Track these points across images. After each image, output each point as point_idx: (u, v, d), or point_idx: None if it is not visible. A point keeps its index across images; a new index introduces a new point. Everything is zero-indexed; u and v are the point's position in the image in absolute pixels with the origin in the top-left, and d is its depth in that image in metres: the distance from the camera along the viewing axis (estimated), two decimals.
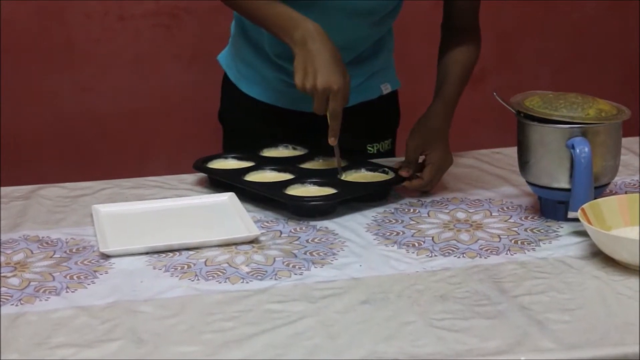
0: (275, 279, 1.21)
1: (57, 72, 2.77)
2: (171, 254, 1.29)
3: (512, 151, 1.52)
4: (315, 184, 1.51)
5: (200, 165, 1.59)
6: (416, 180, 1.52)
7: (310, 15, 1.48)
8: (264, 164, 1.60)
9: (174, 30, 2.80)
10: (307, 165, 1.61)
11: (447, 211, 1.45)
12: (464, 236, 1.35)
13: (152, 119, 2.85)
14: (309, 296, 1.16)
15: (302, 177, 1.53)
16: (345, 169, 1.56)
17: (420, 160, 1.55)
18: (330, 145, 1.50)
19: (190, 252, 1.30)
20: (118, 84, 2.81)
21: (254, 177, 1.55)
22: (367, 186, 1.52)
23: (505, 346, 1.02)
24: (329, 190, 1.48)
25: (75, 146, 2.82)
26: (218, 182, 1.57)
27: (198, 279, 1.21)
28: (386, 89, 1.78)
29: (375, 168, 1.58)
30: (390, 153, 1.83)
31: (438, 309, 1.11)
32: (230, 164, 1.62)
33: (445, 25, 1.68)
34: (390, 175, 1.55)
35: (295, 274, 1.22)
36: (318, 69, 1.43)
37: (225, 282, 1.20)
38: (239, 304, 1.14)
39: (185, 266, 1.26)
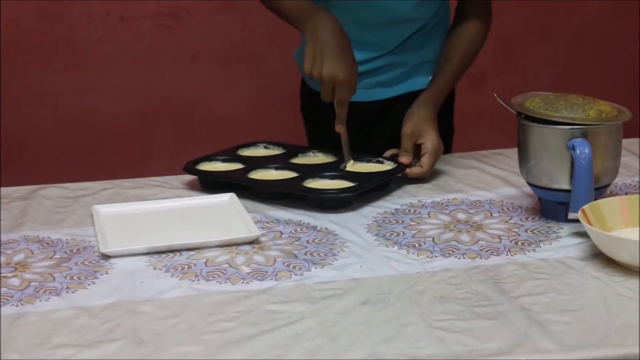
0: (276, 280, 1.21)
1: (58, 72, 2.77)
2: (172, 255, 1.29)
3: (513, 152, 1.52)
4: (327, 177, 1.52)
5: (192, 168, 1.59)
6: (416, 168, 1.57)
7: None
8: (262, 163, 1.60)
9: (176, 31, 2.80)
10: (301, 161, 1.62)
11: (448, 212, 1.45)
12: (465, 237, 1.35)
13: (153, 120, 2.85)
14: (309, 297, 1.16)
15: (307, 172, 1.54)
16: (340, 162, 1.59)
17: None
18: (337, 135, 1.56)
19: (191, 253, 1.30)
20: (119, 84, 2.81)
21: (258, 175, 1.55)
22: (380, 175, 1.54)
23: (505, 347, 1.02)
24: (344, 183, 1.50)
25: (76, 146, 2.82)
26: (211, 184, 1.56)
27: (198, 280, 1.21)
28: None
29: (369, 159, 1.61)
30: None
31: (438, 310, 1.11)
32: (219, 166, 1.61)
33: (457, 6, 1.72)
34: (388, 165, 1.58)
35: (296, 275, 1.22)
36: (325, 58, 1.49)
37: (225, 282, 1.20)
38: (239, 304, 1.14)
39: (186, 266, 1.26)
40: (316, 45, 1.49)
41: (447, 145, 1.81)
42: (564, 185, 1.36)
